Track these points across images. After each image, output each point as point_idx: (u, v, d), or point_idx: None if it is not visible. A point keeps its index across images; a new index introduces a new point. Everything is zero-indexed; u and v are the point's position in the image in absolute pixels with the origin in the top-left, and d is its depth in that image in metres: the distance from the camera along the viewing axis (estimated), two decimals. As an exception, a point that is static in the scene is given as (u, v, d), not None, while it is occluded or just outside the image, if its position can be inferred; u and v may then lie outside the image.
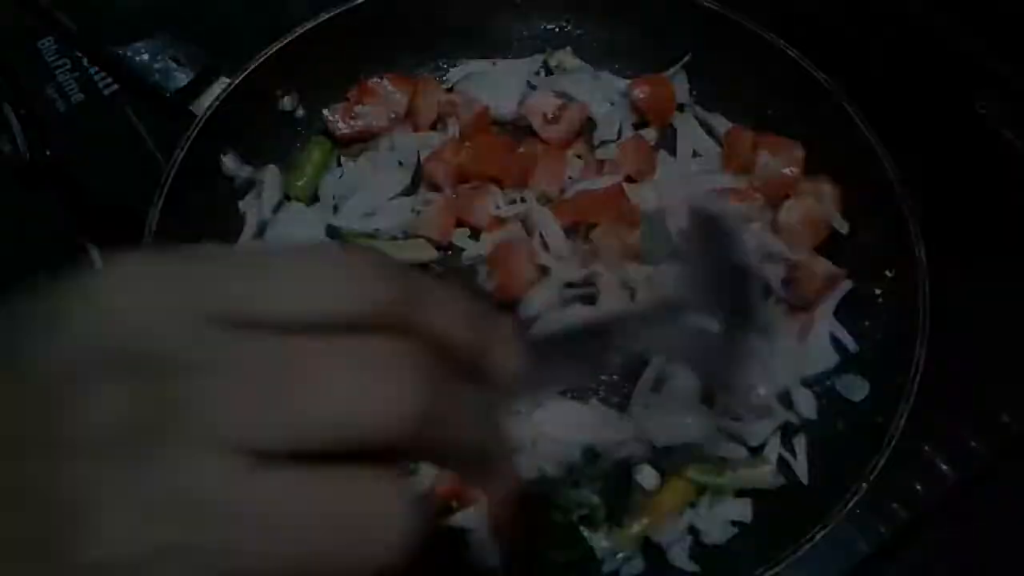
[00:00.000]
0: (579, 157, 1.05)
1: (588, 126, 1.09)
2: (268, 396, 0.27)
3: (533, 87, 1.11)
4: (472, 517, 0.81)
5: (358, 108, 1.06)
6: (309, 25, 1.03)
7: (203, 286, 0.29)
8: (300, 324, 0.29)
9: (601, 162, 1.05)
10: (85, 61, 1.11)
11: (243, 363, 0.28)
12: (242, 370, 0.28)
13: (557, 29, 1.16)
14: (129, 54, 0.99)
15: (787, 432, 0.91)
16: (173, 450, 0.27)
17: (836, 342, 0.94)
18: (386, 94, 1.07)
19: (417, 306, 0.31)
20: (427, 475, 0.81)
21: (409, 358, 0.30)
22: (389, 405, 0.29)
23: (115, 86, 1.10)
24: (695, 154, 1.07)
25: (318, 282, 0.30)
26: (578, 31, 1.16)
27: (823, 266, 0.96)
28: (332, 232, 1.02)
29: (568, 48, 1.14)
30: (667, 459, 0.87)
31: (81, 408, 0.27)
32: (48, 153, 1.09)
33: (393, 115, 1.07)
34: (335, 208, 1.03)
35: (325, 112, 1.08)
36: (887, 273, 0.96)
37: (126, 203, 0.99)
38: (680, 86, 1.10)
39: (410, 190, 1.05)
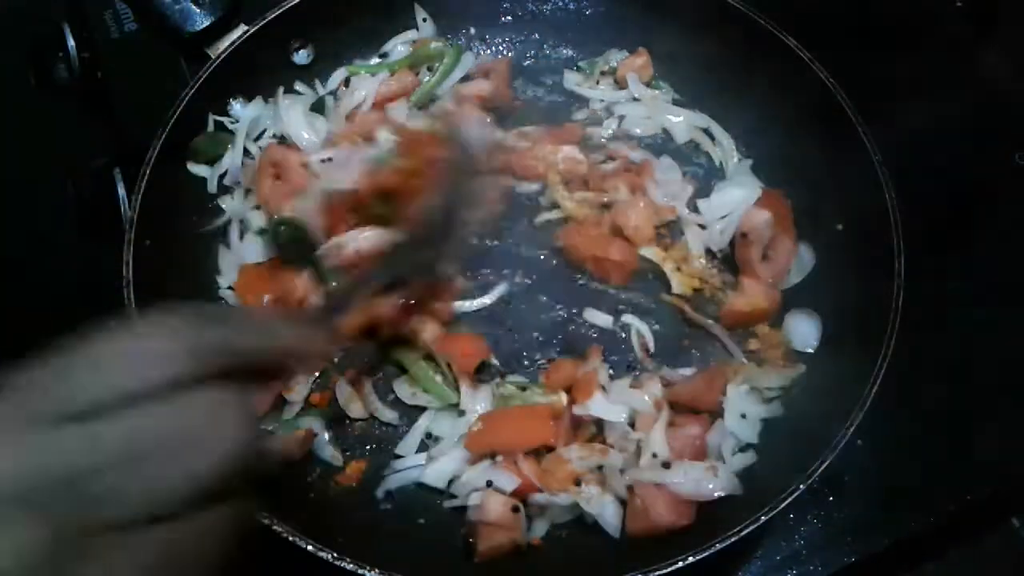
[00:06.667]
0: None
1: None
2: (139, 472, 0.36)
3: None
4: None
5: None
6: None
7: (39, 402, 0.36)
8: (125, 400, 0.36)
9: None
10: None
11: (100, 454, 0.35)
12: (108, 456, 0.35)
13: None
14: (153, -7, 1.03)
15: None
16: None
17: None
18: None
19: (214, 346, 0.39)
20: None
21: (226, 410, 0.39)
22: (224, 451, 0.38)
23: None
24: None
25: (118, 364, 0.38)
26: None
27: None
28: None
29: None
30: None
31: None
32: (99, 75, 1.17)
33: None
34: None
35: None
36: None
37: (149, 132, 1.02)
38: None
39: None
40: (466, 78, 1.12)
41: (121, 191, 1.08)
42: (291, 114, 1.08)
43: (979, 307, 1.03)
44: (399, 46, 1.15)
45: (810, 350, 0.95)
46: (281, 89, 1.09)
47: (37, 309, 1.01)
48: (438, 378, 0.91)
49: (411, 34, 1.15)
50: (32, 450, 0.34)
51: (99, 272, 0.92)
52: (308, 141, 1.06)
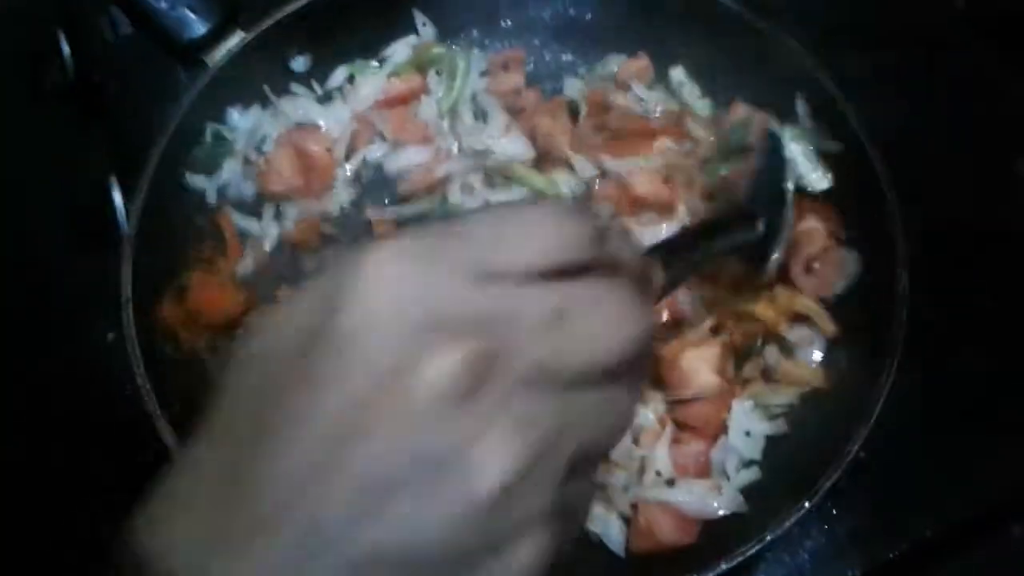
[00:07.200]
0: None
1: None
2: (561, 334, 0.35)
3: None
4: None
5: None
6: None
7: (465, 255, 0.35)
8: (536, 271, 0.35)
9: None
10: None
11: (526, 310, 0.34)
12: (532, 316, 0.34)
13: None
14: (150, 0, 1.02)
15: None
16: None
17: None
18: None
19: (607, 242, 0.39)
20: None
21: (629, 293, 0.38)
22: (633, 331, 0.37)
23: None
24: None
25: (544, 237, 0.36)
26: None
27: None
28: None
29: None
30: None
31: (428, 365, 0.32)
32: (94, 81, 1.15)
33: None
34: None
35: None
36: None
37: (145, 139, 1.01)
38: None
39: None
40: (484, 74, 1.12)
41: (118, 199, 1.06)
42: (303, 102, 1.08)
43: (980, 315, 1.03)
44: (399, 50, 1.13)
45: (813, 364, 0.94)
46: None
47: (34, 318, 1.00)
48: None
49: (411, 39, 1.14)
50: (460, 291, 0.34)
51: (98, 282, 0.91)
52: (327, 125, 1.07)
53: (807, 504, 0.77)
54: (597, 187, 1.03)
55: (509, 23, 1.16)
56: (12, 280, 1.04)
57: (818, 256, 0.97)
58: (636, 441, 0.87)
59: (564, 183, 1.03)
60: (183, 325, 0.92)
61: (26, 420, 0.93)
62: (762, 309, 0.93)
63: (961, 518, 0.91)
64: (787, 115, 1.04)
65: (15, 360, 0.97)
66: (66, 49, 1.16)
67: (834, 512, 0.91)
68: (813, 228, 0.97)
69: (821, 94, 0.99)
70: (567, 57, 1.16)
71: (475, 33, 1.16)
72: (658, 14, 1.10)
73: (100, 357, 0.94)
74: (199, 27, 1.02)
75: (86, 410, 0.93)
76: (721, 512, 0.83)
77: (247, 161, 1.04)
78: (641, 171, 1.01)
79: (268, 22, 1.03)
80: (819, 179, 1.00)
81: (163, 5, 1.01)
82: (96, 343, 0.95)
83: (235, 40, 1.03)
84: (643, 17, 1.12)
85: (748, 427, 0.89)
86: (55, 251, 1.06)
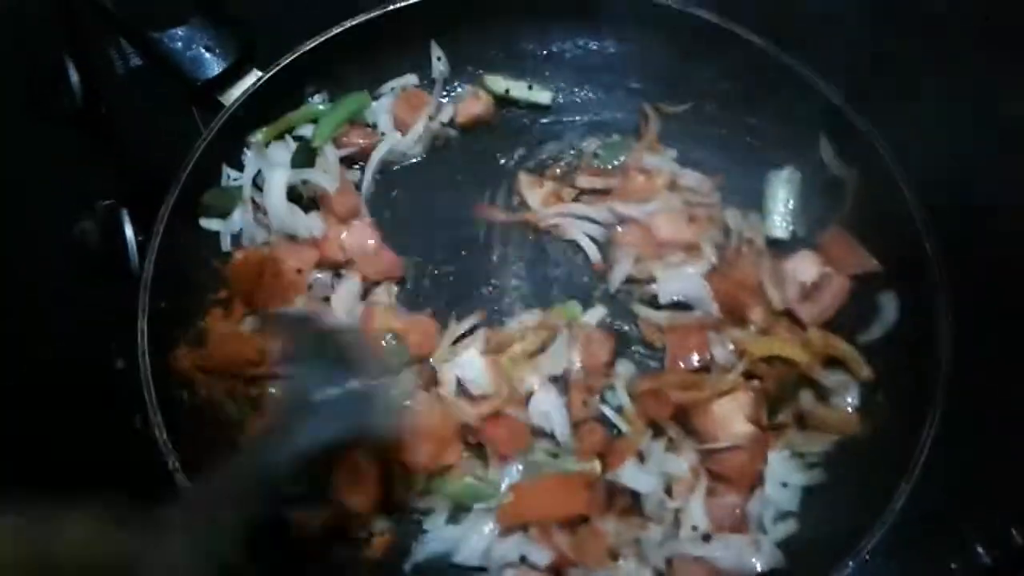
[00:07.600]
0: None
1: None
2: None
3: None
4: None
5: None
6: (347, 24, 1.03)
7: None
8: None
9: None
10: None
11: None
12: None
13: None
14: (165, 40, 1.00)
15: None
16: None
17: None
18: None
19: None
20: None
21: None
22: None
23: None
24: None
25: None
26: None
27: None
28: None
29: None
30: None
31: None
32: (103, 111, 1.13)
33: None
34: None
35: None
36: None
37: (158, 172, 0.99)
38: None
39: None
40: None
41: (129, 233, 1.03)
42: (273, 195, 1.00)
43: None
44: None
45: (849, 409, 0.91)
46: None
47: (43, 354, 0.97)
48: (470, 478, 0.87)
49: (409, 78, 1.11)
50: None
51: (108, 313, 0.90)
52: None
53: (851, 564, 0.74)
54: (620, 233, 1.00)
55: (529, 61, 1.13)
56: (26, 307, 1.01)
57: (815, 285, 0.95)
58: (669, 492, 0.84)
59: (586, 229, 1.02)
60: (198, 369, 0.89)
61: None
62: (795, 352, 0.90)
63: (998, 557, 0.88)
64: (810, 153, 1.03)
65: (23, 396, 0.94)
66: (74, 76, 1.14)
67: (867, 559, 0.88)
68: (804, 256, 0.96)
69: (850, 131, 0.97)
70: (590, 95, 1.14)
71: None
72: (684, 51, 1.08)
73: (113, 383, 0.90)
74: (215, 67, 1.00)
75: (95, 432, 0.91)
76: (759, 568, 0.80)
77: (257, 206, 1.01)
78: (662, 214, 0.99)
79: (284, 60, 1.01)
80: (776, 228, 1.01)
81: (179, 45, 1.00)
82: (106, 369, 0.92)
83: (251, 79, 1.01)
84: (670, 55, 1.09)
85: (785, 477, 0.86)
86: (65, 280, 1.02)
